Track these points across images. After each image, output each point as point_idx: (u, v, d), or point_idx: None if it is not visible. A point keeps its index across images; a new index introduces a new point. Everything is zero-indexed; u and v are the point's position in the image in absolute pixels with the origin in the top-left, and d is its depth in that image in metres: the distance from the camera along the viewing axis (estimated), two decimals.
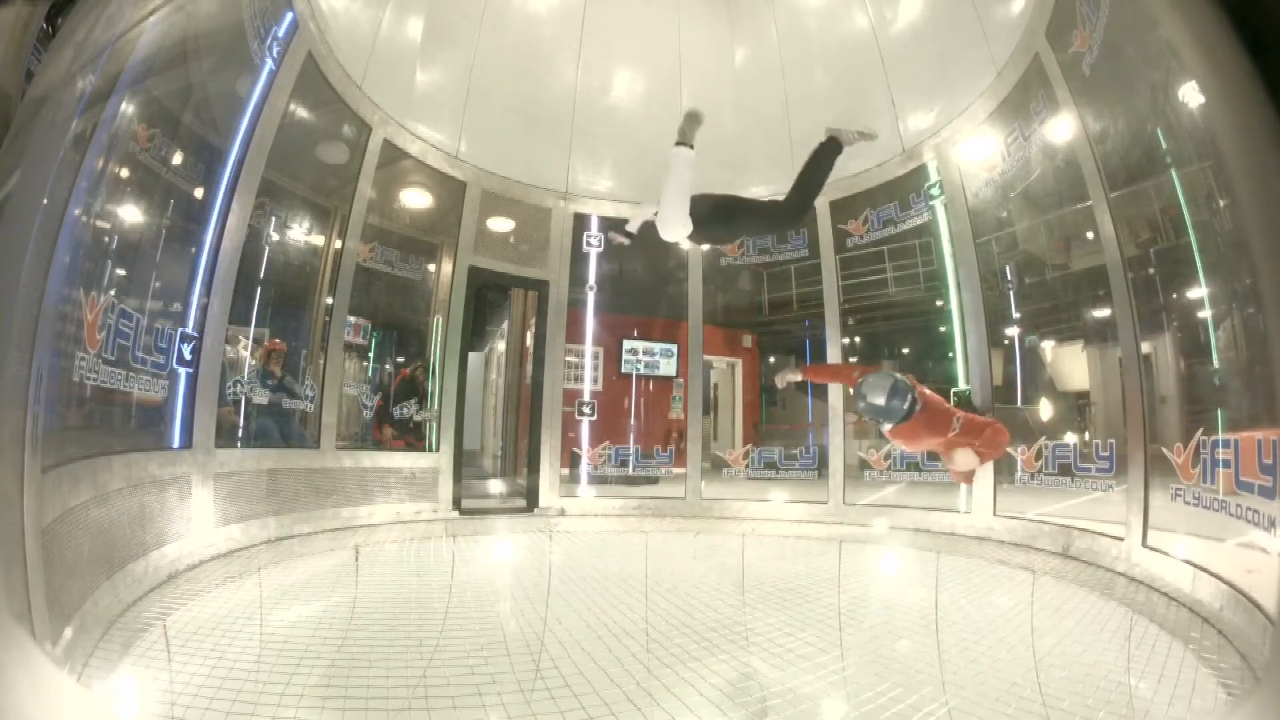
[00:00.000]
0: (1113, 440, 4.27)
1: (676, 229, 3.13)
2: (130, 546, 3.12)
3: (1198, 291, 3.48)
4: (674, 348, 7.30)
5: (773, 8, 6.36)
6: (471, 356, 6.54)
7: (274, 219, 4.86)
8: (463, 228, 6.15)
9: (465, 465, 6.17)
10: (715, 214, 3.18)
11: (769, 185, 6.75)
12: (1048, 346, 5.38)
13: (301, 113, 4.84)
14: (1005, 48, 4.89)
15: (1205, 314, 3.38)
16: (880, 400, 2.85)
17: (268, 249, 4.87)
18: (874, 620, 3.23)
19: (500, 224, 6.53)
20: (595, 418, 6.75)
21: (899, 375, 2.93)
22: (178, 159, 3.70)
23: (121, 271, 3.32)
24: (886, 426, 2.93)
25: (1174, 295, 3.78)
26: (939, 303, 5.92)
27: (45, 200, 1.99)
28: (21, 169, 1.70)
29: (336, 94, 5.06)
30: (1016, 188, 5.14)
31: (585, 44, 6.43)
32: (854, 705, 2.21)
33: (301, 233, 5.18)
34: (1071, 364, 5.19)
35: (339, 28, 4.95)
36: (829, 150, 3.30)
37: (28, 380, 1.80)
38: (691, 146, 3.02)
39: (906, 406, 2.80)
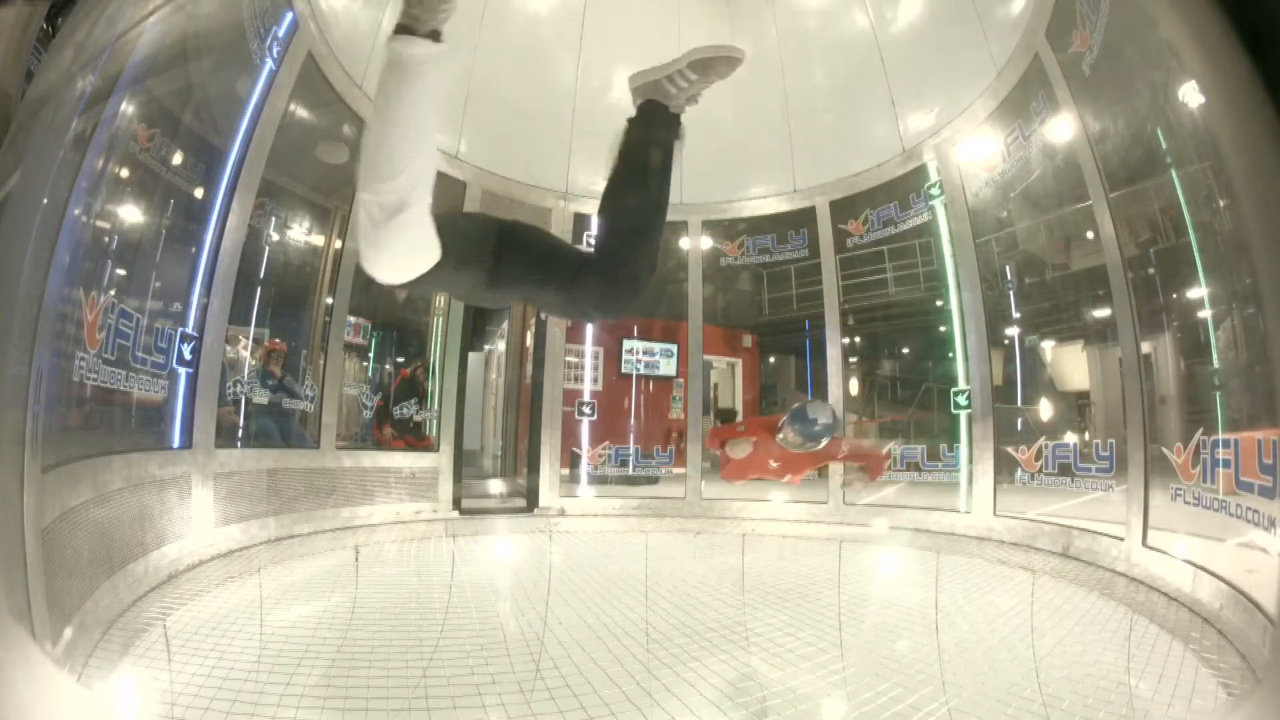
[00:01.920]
0: (1113, 440, 4.27)
1: (396, 261, 1.27)
2: (130, 546, 3.12)
3: (1198, 291, 3.48)
4: (674, 348, 7.29)
5: (773, 8, 6.36)
6: (471, 356, 6.54)
7: (274, 219, 4.86)
8: None
9: (465, 465, 6.16)
10: (525, 256, 1.46)
11: (769, 185, 6.77)
12: (1048, 346, 5.39)
13: (301, 113, 4.84)
14: (1005, 48, 4.88)
15: (1205, 314, 3.38)
16: (829, 419, 3.11)
17: (268, 249, 4.87)
18: (874, 620, 3.23)
19: None
20: (595, 418, 6.75)
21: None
22: (178, 159, 3.70)
23: (121, 271, 3.32)
24: (818, 445, 3.13)
25: (1174, 295, 3.78)
26: (939, 303, 5.92)
27: (45, 200, 1.99)
28: (21, 169, 1.70)
29: (336, 94, 5.06)
30: (1016, 188, 5.14)
31: (585, 44, 6.43)
32: (854, 705, 2.21)
33: (301, 233, 5.17)
34: (1071, 364, 5.20)
35: (339, 28, 4.94)
36: (654, 132, 1.53)
37: (28, 380, 1.80)
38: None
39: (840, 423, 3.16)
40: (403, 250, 1.22)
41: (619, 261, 1.44)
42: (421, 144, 1.17)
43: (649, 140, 1.49)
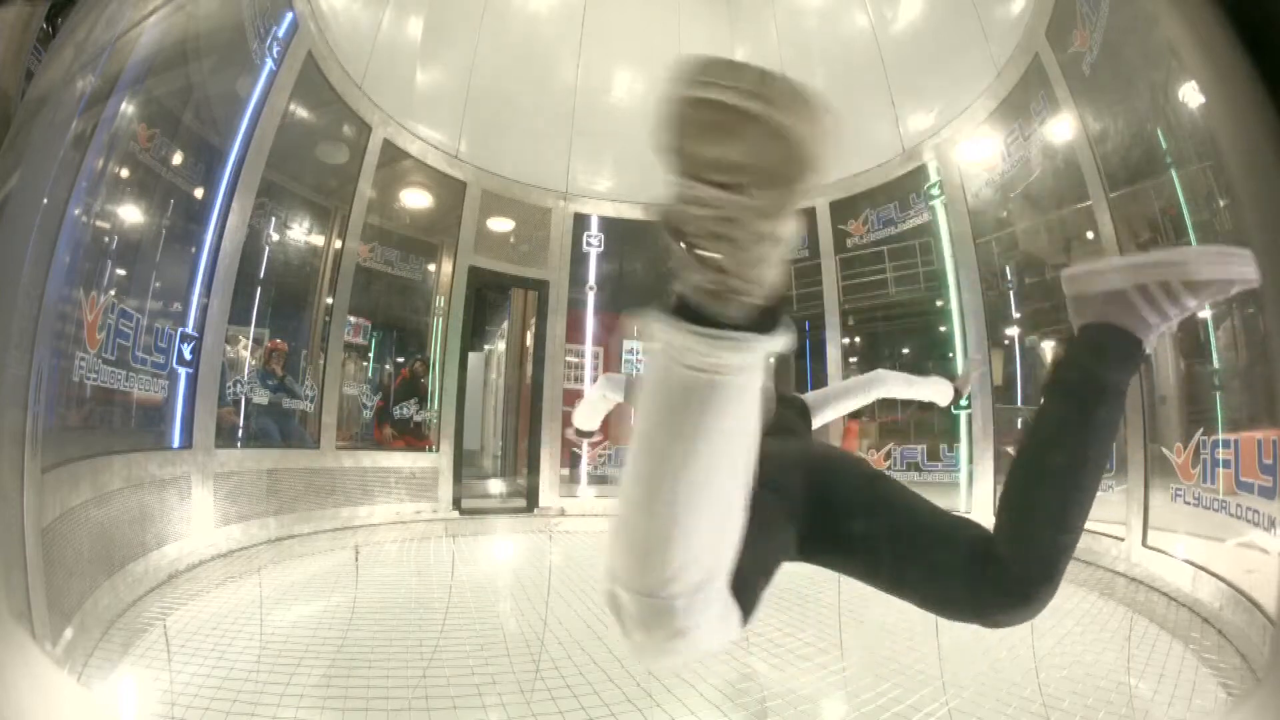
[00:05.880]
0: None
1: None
2: (130, 546, 3.12)
3: None
4: None
5: (773, 8, 6.36)
6: (471, 356, 6.54)
7: (274, 219, 4.86)
8: (463, 228, 6.15)
9: (465, 465, 6.16)
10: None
11: None
12: (1048, 346, 5.38)
13: (301, 113, 4.84)
14: (1005, 48, 4.89)
15: (1205, 314, 3.38)
16: None
17: (268, 249, 4.87)
18: (874, 620, 3.23)
19: (500, 224, 6.52)
20: None
21: None
22: (178, 159, 3.70)
23: (121, 271, 3.32)
24: None
25: None
26: (939, 303, 5.92)
27: (45, 200, 1.99)
28: (21, 169, 1.70)
29: (336, 94, 5.06)
30: (1016, 188, 5.14)
31: (585, 44, 6.43)
32: (854, 705, 2.21)
33: (301, 233, 5.17)
34: None
35: (339, 28, 4.95)
36: (1112, 373, 0.97)
37: (28, 380, 1.80)
38: None
39: None
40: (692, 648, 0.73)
41: (1029, 554, 0.92)
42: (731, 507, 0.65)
43: (1105, 384, 0.95)
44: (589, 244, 6.82)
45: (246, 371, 4.68)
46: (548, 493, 6.30)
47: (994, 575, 0.91)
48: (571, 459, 6.57)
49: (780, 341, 0.56)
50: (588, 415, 2.53)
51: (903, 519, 1.05)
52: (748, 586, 0.79)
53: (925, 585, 1.00)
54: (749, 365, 0.55)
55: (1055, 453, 0.95)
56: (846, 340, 6.44)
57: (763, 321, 0.54)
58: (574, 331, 6.74)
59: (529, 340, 7.17)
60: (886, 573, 1.03)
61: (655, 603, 0.63)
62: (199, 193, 3.99)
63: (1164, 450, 3.59)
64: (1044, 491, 0.95)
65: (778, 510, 0.99)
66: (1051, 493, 0.93)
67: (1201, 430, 3.29)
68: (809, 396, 1.86)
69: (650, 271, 7.46)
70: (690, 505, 0.59)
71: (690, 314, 0.52)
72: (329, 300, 5.25)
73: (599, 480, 6.61)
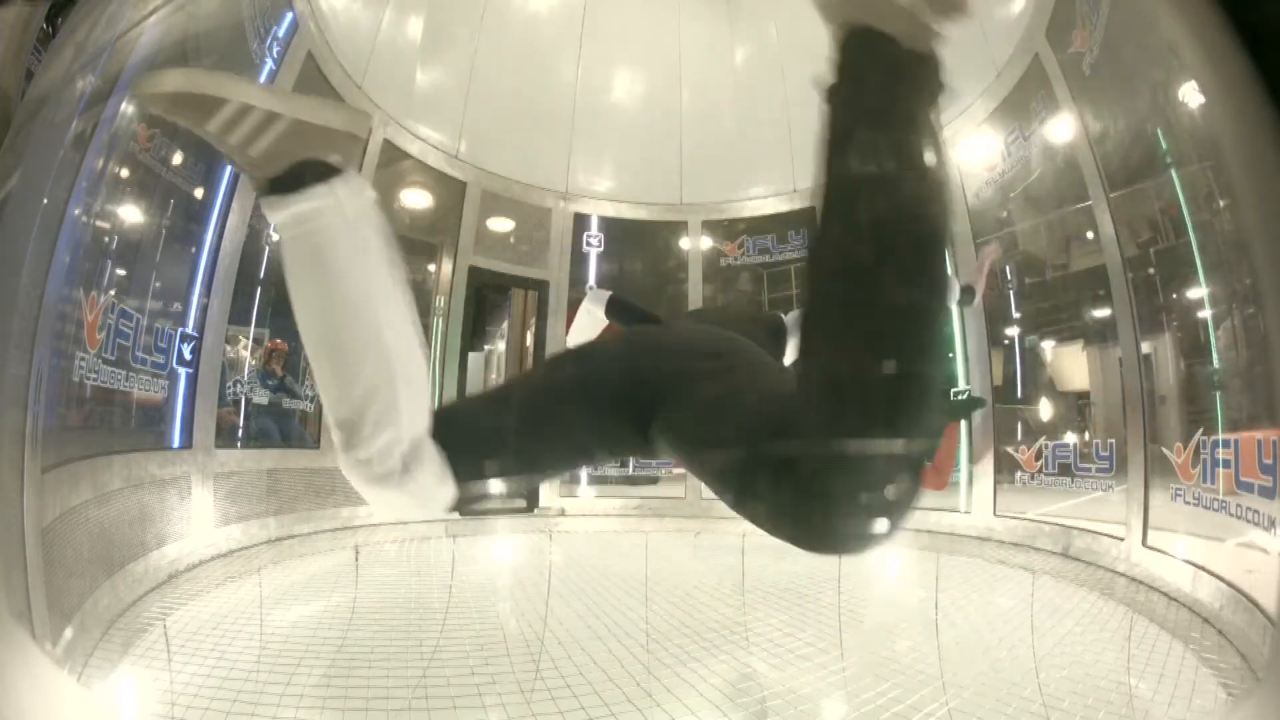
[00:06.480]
0: (1113, 440, 4.27)
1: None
2: (130, 546, 3.12)
3: (1198, 291, 3.48)
4: None
5: (773, 8, 6.36)
6: (471, 356, 6.54)
7: None
8: (462, 228, 6.15)
9: None
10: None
11: (769, 185, 6.77)
12: (1048, 346, 5.38)
13: None
14: (1005, 48, 4.88)
15: (1205, 314, 3.38)
16: None
17: (268, 249, 4.86)
18: (874, 620, 3.23)
19: (500, 224, 6.52)
20: None
21: None
22: (178, 159, 3.70)
23: (121, 271, 3.32)
24: None
25: (1174, 295, 3.78)
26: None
27: (45, 200, 1.99)
28: (21, 169, 1.70)
29: (336, 94, 5.06)
30: (1016, 188, 5.14)
31: (585, 44, 6.43)
32: (854, 705, 2.21)
33: None
34: (1071, 364, 5.19)
35: (339, 28, 4.95)
36: (880, 97, 0.58)
37: (28, 380, 1.80)
38: None
39: None
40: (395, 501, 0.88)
41: (834, 408, 0.59)
42: (368, 334, 0.78)
43: (876, 113, 0.59)
44: (589, 244, 6.82)
45: (246, 371, 4.68)
46: (548, 493, 6.30)
47: (790, 461, 0.60)
48: None
49: (305, 200, 0.74)
50: (577, 339, 2.38)
51: (724, 386, 0.82)
52: (483, 460, 0.97)
53: (728, 476, 0.76)
54: (294, 220, 0.76)
55: (842, 245, 0.59)
56: None
57: (278, 186, 0.75)
58: None
59: (529, 340, 7.17)
60: (698, 457, 0.84)
61: (334, 433, 0.83)
62: (199, 193, 3.99)
63: (1164, 450, 3.59)
64: (837, 316, 0.58)
65: (590, 395, 0.97)
66: (849, 316, 0.57)
67: (1201, 430, 3.29)
68: (791, 315, 1.72)
69: (650, 271, 7.46)
70: (324, 346, 0.80)
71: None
72: None
73: (599, 480, 6.61)
